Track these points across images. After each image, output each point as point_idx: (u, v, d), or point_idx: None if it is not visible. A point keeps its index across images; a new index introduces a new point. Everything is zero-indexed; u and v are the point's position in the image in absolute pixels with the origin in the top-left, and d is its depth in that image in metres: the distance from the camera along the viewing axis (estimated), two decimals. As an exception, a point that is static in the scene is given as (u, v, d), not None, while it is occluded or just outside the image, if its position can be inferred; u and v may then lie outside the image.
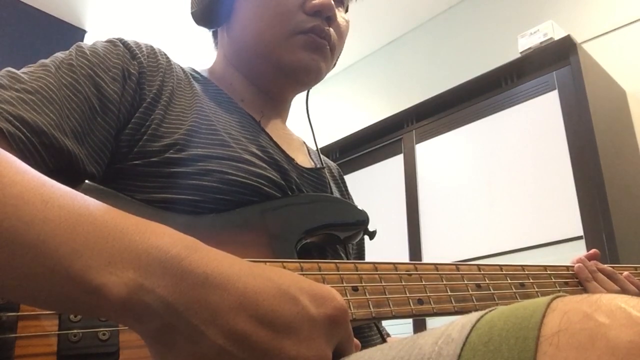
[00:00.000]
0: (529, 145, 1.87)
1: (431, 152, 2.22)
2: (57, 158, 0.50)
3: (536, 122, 1.87)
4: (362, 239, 0.83)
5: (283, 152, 0.70)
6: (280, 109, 0.79)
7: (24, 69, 0.54)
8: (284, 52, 0.68)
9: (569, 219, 1.67)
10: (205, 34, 0.84)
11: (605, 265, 0.81)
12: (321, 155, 0.84)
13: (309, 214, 0.61)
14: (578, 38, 1.91)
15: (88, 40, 3.23)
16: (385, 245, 2.19)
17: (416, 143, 2.29)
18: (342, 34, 0.74)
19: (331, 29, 0.71)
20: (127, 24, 3.16)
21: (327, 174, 0.79)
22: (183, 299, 0.32)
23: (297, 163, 0.71)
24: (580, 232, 1.63)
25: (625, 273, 0.80)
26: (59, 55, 0.57)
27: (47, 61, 0.55)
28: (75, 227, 0.33)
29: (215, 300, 0.32)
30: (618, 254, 1.50)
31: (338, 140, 2.52)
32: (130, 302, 0.32)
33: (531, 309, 0.29)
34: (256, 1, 0.69)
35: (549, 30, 1.93)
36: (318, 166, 0.79)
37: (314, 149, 0.86)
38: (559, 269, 0.76)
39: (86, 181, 0.52)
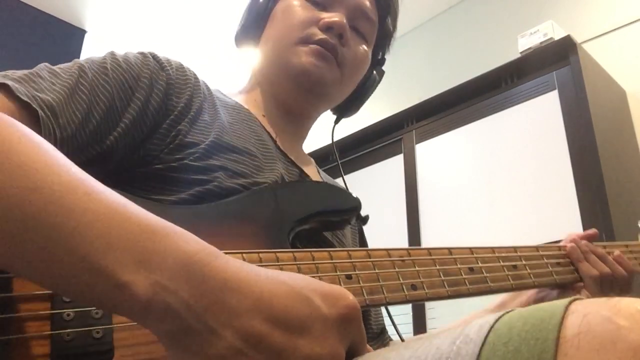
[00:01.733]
0: (529, 145, 1.87)
1: (431, 152, 2.23)
2: (70, 150, 0.53)
3: (536, 122, 1.87)
4: (361, 228, 0.85)
5: (299, 168, 0.74)
6: (298, 125, 0.82)
7: (60, 65, 0.57)
8: (291, 57, 0.73)
9: (569, 219, 1.67)
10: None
11: (598, 245, 0.80)
12: (329, 177, 0.90)
13: (301, 202, 0.62)
14: (578, 38, 1.91)
15: (88, 40, 3.23)
16: (385, 245, 2.18)
17: (416, 143, 2.29)
18: (355, 58, 0.77)
19: (342, 48, 0.74)
20: (127, 24, 3.16)
21: None
22: (203, 302, 0.33)
23: (311, 179, 0.76)
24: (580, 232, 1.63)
25: (616, 253, 0.80)
26: (94, 58, 0.61)
27: (82, 61, 0.59)
28: (112, 222, 0.35)
29: (233, 303, 0.34)
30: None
31: (338, 140, 2.51)
32: (153, 302, 0.33)
33: (550, 310, 0.29)
34: (280, 20, 0.76)
35: (549, 30, 1.93)
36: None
37: (323, 166, 0.91)
38: (551, 248, 0.75)
39: None
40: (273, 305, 0.34)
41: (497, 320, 0.31)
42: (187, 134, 0.62)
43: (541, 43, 1.93)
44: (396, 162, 2.34)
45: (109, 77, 0.58)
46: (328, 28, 0.73)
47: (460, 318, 0.82)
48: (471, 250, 0.64)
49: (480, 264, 0.63)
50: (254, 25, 0.79)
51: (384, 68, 0.89)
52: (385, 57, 0.88)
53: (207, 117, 0.66)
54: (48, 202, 0.34)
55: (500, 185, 1.92)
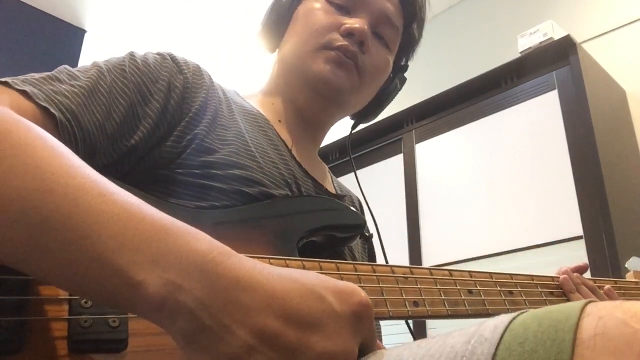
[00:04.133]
0: (529, 145, 1.88)
1: (431, 152, 2.23)
2: (88, 153, 0.54)
3: (536, 122, 1.87)
4: (372, 245, 0.87)
5: (313, 179, 0.74)
6: (314, 132, 0.81)
7: (79, 68, 0.58)
8: (311, 63, 0.72)
9: (569, 219, 1.67)
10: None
11: (589, 279, 0.84)
12: (342, 185, 0.91)
13: (310, 215, 0.64)
14: (578, 38, 1.92)
15: (88, 40, 3.23)
16: (386, 245, 2.18)
17: (416, 143, 2.29)
18: (376, 66, 0.76)
19: (363, 56, 0.73)
20: (127, 24, 3.16)
21: (348, 202, 0.85)
22: (217, 301, 0.34)
23: (325, 189, 0.76)
24: (580, 232, 1.63)
25: (607, 287, 0.84)
26: (113, 59, 0.61)
27: (101, 63, 0.59)
28: (126, 223, 0.36)
29: (246, 302, 0.34)
30: (618, 254, 1.51)
31: (338, 140, 2.53)
32: (167, 301, 0.34)
33: (566, 312, 0.30)
34: (301, 24, 0.76)
35: (549, 30, 1.93)
36: (340, 194, 0.83)
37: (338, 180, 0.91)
38: (545, 279, 0.79)
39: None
40: (286, 303, 0.34)
41: (512, 321, 0.31)
42: (205, 138, 0.62)
43: (541, 43, 1.93)
44: (396, 162, 2.34)
45: (128, 80, 0.59)
46: (349, 34, 0.72)
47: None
48: (470, 274, 0.67)
49: (478, 288, 0.66)
50: (276, 26, 0.78)
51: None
52: (409, 64, 0.87)
53: (225, 123, 0.66)
54: (63, 204, 0.35)
55: (500, 185, 1.92)
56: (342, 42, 0.72)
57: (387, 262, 0.71)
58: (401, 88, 0.86)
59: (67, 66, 0.57)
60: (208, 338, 0.33)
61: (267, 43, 0.81)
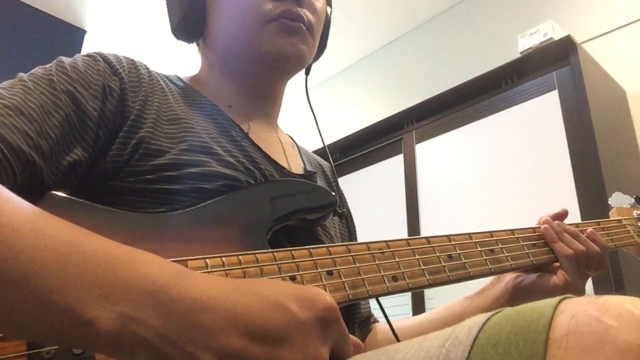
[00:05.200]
0: (529, 145, 1.87)
1: (431, 152, 2.22)
2: (29, 175, 0.49)
3: (536, 122, 1.87)
4: (351, 220, 0.83)
5: (273, 162, 0.70)
6: (270, 107, 0.77)
7: (3, 84, 0.53)
8: (261, 42, 0.68)
9: (569, 219, 1.67)
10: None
11: (570, 224, 0.81)
12: (313, 156, 0.85)
13: (276, 201, 0.61)
14: (578, 38, 1.91)
15: (88, 40, 3.23)
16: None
17: (416, 143, 2.29)
18: (316, 12, 0.72)
19: (304, 10, 0.70)
20: (127, 24, 3.16)
21: (320, 177, 0.80)
22: (175, 327, 0.32)
23: (288, 171, 0.71)
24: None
25: (589, 230, 0.80)
26: (39, 70, 0.56)
27: (25, 77, 0.54)
28: (66, 257, 0.33)
29: (207, 323, 0.32)
30: (618, 253, 1.50)
31: (338, 140, 2.52)
32: (122, 335, 0.32)
33: (539, 311, 0.29)
34: (226, 4, 0.70)
35: (549, 30, 1.93)
36: (308, 169, 0.79)
37: (304, 147, 0.85)
38: (526, 231, 0.77)
39: (54, 192, 0.51)
40: (248, 319, 0.33)
41: (485, 322, 0.31)
42: (151, 140, 0.58)
43: (541, 43, 1.93)
44: (396, 162, 2.34)
45: (57, 90, 0.54)
46: None
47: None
48: (448, 237, 0.65)
49: (458, 251, 0.64)
50: (193, 15, 0.72)
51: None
52: None
53: (172, 117, 0.62)
54: None
55: (500, 185, 1.92)
56: (280, 7, 0.67)
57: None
58: (331, 11, 0.82)
59: None
60: None
61: (187, 35, 0.75)
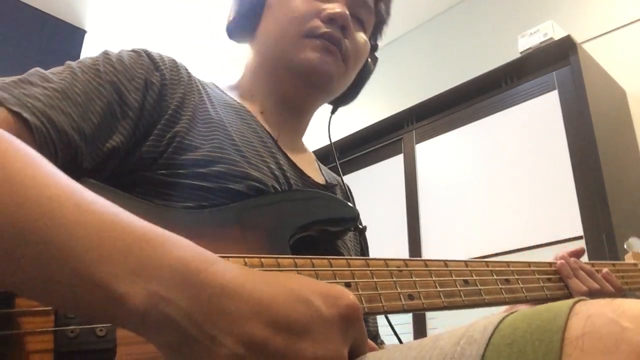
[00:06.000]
0: (529, 145, 1.87)
1: (431, 152, 2.23)
2: (69, 156, 0.52)
3: (536, 122, 1.87)
4: (364, 237, 0.85)
5: (299, 170, 0.73)
6: (298, 121, 0.80)
7: (52, 70, 0.56)
8: (296, 52, 0.71)
9: (569, 219, 1.67)
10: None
11: (586, 263, 0.83)
12: (330, 173, 0.89)
13: (302, 210, 0.63)
14: (578, 38, 1.91)
15: (88, 40, 3.23)
16: (386, 245, 2.19)
17: (416, 143, 2.29)
18: (358, 50, 0.76)
19: (346, 41, 0.73)
20: (127, 24, 3.16)
21: (339, 192, 0.83)
22: (202, 310, 0.33)
23: (313, 181, 0.74)
24: (580, 232, 1.63)
25: (604, 270, 0.82)
26: (87, 59, 0.59)
27: (73, 64, 0.57)
28: (104, 233, 0.34)
29: (232, 310, 0.33)
30: (618, 253, 1.50)
31: (338, 140, 2.52)
32: (151, 313, 0.33)
33: (554, 311, 0.29)
34: (278, 12, 0.73)
35: (549, 30, 1.93)
36: (329, 181, 0.82)
37: (324, 165, 0.89)
38: (542, 265, 0.78)
39: (89, 179, 0.53)
40: (273, 310, 0.34)
41: (501, 321, 0.31)
42: (185, 135, 0.61)
43: (541, 43, 1.93)
44: (396, 162, 2.34)
45: (103, 80, 0.57)
46: (331, 20, 0.71)
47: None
48: (466, 263, 0.66)
49: (474, 277, 0.65)
50: (248, 18, 0.76)
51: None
52: (378, 43, 0.86)
53: (206, 117, 0.65)
54: (37, 217, 0.33)
55: (500, 185, 1.92)
56: (325, 29, 0.71)
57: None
58: (374, 68, 0.86)
59: (39, 69, 0.55)
60: (194, 349, 0.32)
61: (239, 35, 0.78)
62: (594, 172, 1.65)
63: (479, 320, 0.33)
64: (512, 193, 1.87)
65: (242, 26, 0.77)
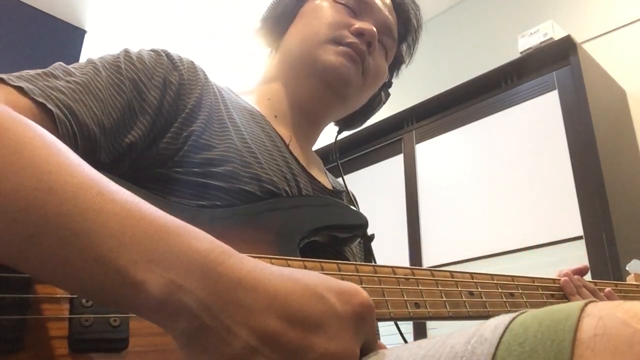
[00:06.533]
0: (529, 145, 1.88)
1: (431, 152, 2.23)
2: (88, 149, 0.53)
3: (536, 122, 1.87)
4: (369, 246, 0.86)
5: (309, 174, 0.75)
6: (310, 128, 0.82)
7: (74, 65, 0.57)
8: (321, 52, 0.74)
9: (569, 219, 1.67)
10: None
11: (589, 281, 0.84)
12: (335, 179, 0.90)
13: (314, 215, 0.64)
14: (578, 38, 1.92)
15: (88, 40, 3.23)
16: (386, 245, 2.19)
17: (416, 143, 2.29)
18: (378, 69, 0.79)
19: (369, 57, 0.76)
20: (127, 24, 3.16)
21: (346, 199, 0.85)
22: (218, 301, 0.33)
23: (322, 186, 0.76)
24: (580, 232, 1.63)
25: (607, 290, 0.84)
26: (108, 56, 0.61)
27: (95, 60, 0.59)
28: (125, 222, 0.35)
29: (248, 302, 0.34)
30: (618, 254, 1.51)
31: (338, 140, 2.51)
32: (168, 301, 0.33)
33: (566, 312, 0.29)
34: (310, 17, 0.78)
35: (549, 30, 1.93)
36: (337, 188, 0.83)
37: (324, 165, 0.90)
38: (546, 281, 0.79)
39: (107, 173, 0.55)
40: (288, 304, 0.34)
41: (512, 321, 0.31)
42: (201, 134, 0.62)
43: (541, 43, 1.93)
44: (396, 162, 2.34)
45: (123, 76, 0.59)
46: (359, 34, 0.74)
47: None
48: (471, 275, 0.67)
49: (479, 289, 0.66)
50: (279, 22, 0.80)
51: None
52: (392, 81, 0.91)
53: (221, 118, 0.66)
54: (61, 203, 0.35)
55: (500, 185, 1.92)
56: (352, 39, 0.74)
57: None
58: (385, 102, 0.90)
59: (62, 63, 0.57)
60: (209, 338, 0.33)
61: (267, 38, 0.81)
62: (594, 172, 1.65)
63: (488, 320, 0.33)
64: (512, 193, 1.87)
65: (271, 30, 0.80)
